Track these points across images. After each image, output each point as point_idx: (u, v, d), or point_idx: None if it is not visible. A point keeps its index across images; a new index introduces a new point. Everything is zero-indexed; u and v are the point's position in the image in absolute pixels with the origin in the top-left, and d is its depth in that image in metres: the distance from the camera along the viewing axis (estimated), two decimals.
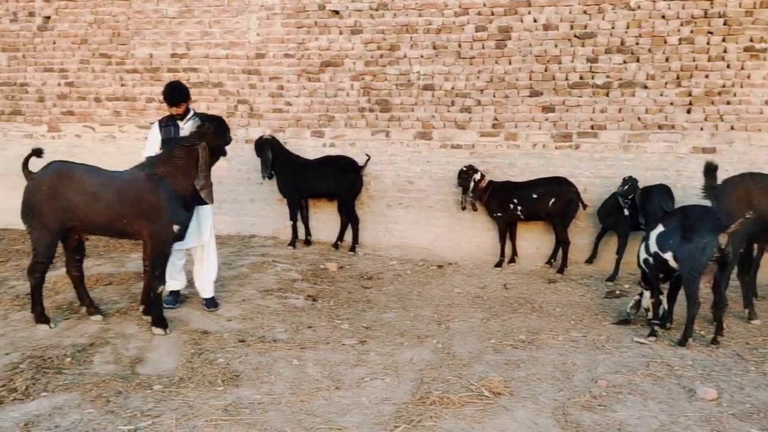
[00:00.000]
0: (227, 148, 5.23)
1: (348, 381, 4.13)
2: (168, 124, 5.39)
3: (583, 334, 5.22)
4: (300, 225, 8.42)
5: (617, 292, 6.49)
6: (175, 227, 4.83)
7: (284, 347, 4.76)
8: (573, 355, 4.70)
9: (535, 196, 7.37)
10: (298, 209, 8.38)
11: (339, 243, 8.33)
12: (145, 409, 3.52)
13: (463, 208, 7.78)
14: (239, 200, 8.89)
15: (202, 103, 8.84)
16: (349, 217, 8.25)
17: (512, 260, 7.74)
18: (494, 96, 7.86)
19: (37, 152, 4.99)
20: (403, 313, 5.87)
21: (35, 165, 4.97)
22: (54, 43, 9.23)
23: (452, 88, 7.99)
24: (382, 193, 8.38)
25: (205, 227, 5.38)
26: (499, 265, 7.60)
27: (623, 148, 7.52)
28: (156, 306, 4.94)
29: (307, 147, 8.54)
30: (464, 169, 7.82)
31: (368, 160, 8.13)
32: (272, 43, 8.51)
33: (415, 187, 8.26)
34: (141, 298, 5.22)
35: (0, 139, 9.67)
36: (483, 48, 7.83)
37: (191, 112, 5.38)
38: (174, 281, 5.42)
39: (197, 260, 5.47)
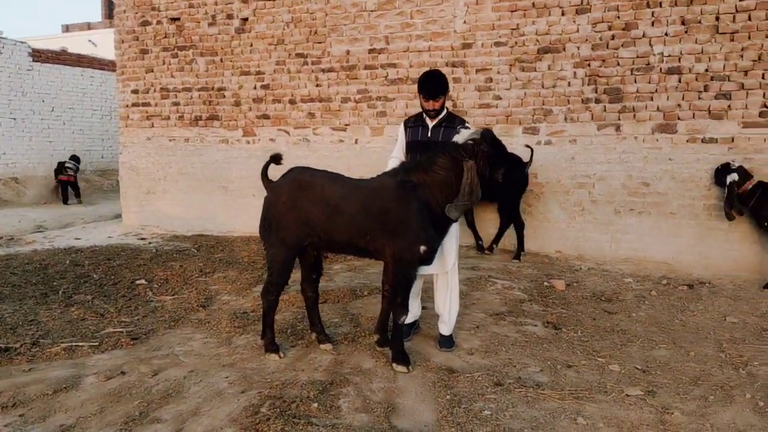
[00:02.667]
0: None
1: None
2: (416, 124, 4.54)
3: None
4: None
5: None
6: (422, 248, 4.00)
7: (554, 396, 3.80)
8: None
9: None
10: (472, 213, 7.72)
11: (494, 246, 7.65)
12: None
13: (729, 219, 6.38)
14: None
15: (400, 101, 8.17)
16: (513, 221, 7.43)
17: None
18: (763, 77, 6.38)
19: (276, 159, 4.34)
20: (676, 350, 4.68)
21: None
22: (251, 45, 9.03)
23: (706, 71, 6.61)
24: (609, 197, 7.18)
25: (450, 251, 4.47)
26: None
27: None
28: (396, 339, 4.19)
29: (519, 146, 7.54)
30: (719, 167, 6.47)
31: (533, 153, 7.12)
32: (481, 30, 7.62)
33: (652, 189, 6.97)
34: (376, 325, 4.51)
35: (198, 145, 9.68)
36: (749, 20, 6.38)
37: (445, 111, 4.50)
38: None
39: (439, 290, 4.61)
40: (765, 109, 6.39)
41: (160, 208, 10.07)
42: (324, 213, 4.08)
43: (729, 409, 3.68)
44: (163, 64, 9.73)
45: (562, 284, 6.28)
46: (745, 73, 6.45)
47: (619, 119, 7.03)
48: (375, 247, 4.10)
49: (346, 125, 8.56)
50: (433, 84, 4.35)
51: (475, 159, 3.89)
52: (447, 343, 4.57)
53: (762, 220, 6.20)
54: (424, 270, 4.48)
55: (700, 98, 6.66)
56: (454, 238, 4.50)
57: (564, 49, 7.24)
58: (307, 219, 4.11)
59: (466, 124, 4.42)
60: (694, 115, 6.70)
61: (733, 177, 6.29)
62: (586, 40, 7.11)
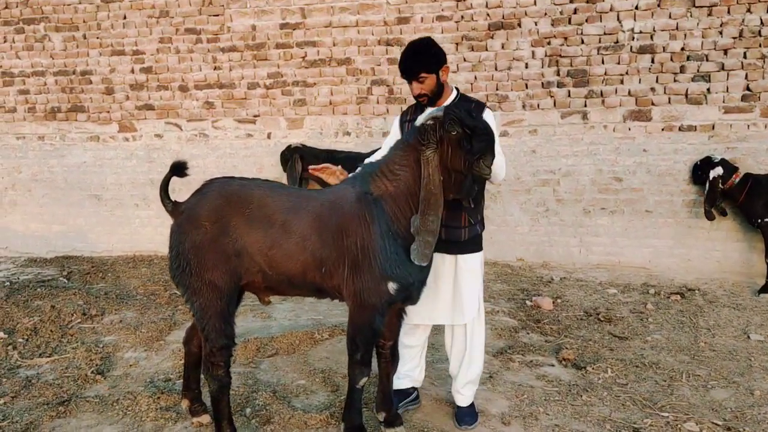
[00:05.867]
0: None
1: None
2: (414, 118, 3.13)
3: None
4: None
5: None
6: (391, 285, 2.82)
7: None
8: None
9: None
10: None
11: None
12: None
13: (710, 218, 5.71)
14: None
15: (323, 86, 6.78)
16: None
17: None
18: (745, 57, 5.74)
19: (179, 168, 2.98)
20: (733, 388, 3.79)
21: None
22: (124, 17, 7.18)
23: (682, 49, 5.87)
24: (577, 195, 6.29)
25: (468, 295, 3.20)
26: (766, 290, 5.49)
27: None
28: (352, 410, 2.99)
29: None
30: (698, 163, 5.79)
31: None
32: (420, 2, 6.41)
33: (625, 185, 6.16)
34: (377, 397, 3.20)
35: (57, 143, 7.66)
36: None
37: (454, 93, 3.21)
38: (402, 378, 3.40)
39: (454, 347, 3.37)
40: (748, 92, 5.76)
41: (7, 224, 7.91)
42: (266, 236, 2.81)
43: None
44: (5, 41, 7.58)
45: (549, 303, 5.28)
46: (725, 51, 5.78)
47: (586, 106, 6.15)
48: (332, 285, 2.90)
49: (256, 116, 7.02)
50: (409, 58, 3.06)
51: (437, 147, 2.73)
52: (468, 417, 3.32)
53: (753, 218, 5.56)
54: (431, 319, 3.27)
55: (676, 81, 5.92)
56: (477, 275, 3.24)
57: (519, 25, 6.22)
58: (243, 247, 2.81)
59: (486, 109, 3.18)
60: (669, 99, 5.95)
61: (718, 171, 5.61)
62: (545, 14, 6.14)
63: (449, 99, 3.16)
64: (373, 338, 2.93)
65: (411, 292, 2.94)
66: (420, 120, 2.82)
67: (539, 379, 3.89)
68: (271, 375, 3.82)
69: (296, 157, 6.18)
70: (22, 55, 7.59)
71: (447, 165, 2.74)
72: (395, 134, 3.27)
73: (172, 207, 2.98)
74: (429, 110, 2.88)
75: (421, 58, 3.05)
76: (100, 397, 3.58)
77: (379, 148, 3.31)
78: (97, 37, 7.33)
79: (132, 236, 7.49)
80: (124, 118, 7.40)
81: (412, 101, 3.27)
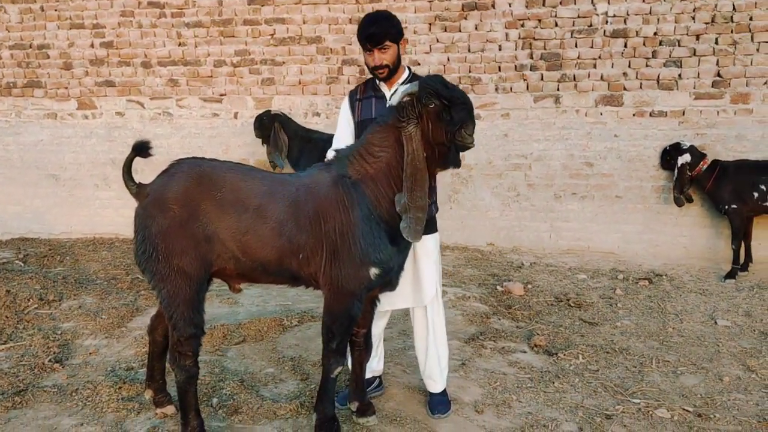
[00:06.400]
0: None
1: None
2: (366, 96, 3.12)
3: None
4: None
5: None
6: (373, 271, 2.75)
7: None
8: None
9: None
10: None
11: None
12: None
13: (679, 204, 5.75)
14: None
15: (292, 65, 6.61)
16: None
17: (744, 267, 5.70)
18: (716, 42, 5.75)
19: (142, 148, 2.81)
20: (702, 373, 3.80)
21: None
22: None
23: (655, 34, 5.86)
24: (548, 180, 6.26)
25: (428, 275, 3.13)
26: (732, 275, 5.55)
27: None
28: (325, 400, 2.89)
29: None
30: (667, 148, 5.81)
31: None
32: None
33: (595, 170, 6.15)
34: (351, 387, 3.13)
35: (12, 120, 7.34)
36: None
37: (407, 71, 3.14)
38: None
39: (418, 331, 3.29)
40: (719, 78, 5.78)
41: None
42: (240, 221, 2.70)
43: None
44: None
45: (520, 288, 5.26)
46: (697, 37, 5.79)
47: (559, 90, 6.11)
48: (309, 272, 2.80)
49: (222, 95, 6.81)
50: (375, 24, 2.96)
51: (418, 122, 2.66)
52: (441, 406, 3.25)
53: (721, 204, 5.61)
54: (393, 303, 3.19)
55: (648, 66, 5.91)
56: (433, 257, 3.17)
57: (493, 6, 6.14)
58: (214, 232, 2.69)
59: None
60: (641, 85, 5.94)
61: (686, 158, 5.64)
62: None
63: (403, 76, 3.10)
64: (350, 326, 2.86)
65: (391, 278, 2.89)
66: (395, 99, 2.75)
67: (511, 366, 3.86)
68: (239, 363, 3.71)
69: (278, 126, 5.99)
70: None
71: (429, 139, 2.68)
72: (346, 116, 3.18)
73: (137, 189, 2.82)
74: (400, 90, 2.77)
75: (387, 25, 2.98)
76: (58, 387, 3.43)
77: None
78: (56, 10, 7.02)
79: (92, 218, 7.24)
80: (83, 94, 7.11)
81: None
